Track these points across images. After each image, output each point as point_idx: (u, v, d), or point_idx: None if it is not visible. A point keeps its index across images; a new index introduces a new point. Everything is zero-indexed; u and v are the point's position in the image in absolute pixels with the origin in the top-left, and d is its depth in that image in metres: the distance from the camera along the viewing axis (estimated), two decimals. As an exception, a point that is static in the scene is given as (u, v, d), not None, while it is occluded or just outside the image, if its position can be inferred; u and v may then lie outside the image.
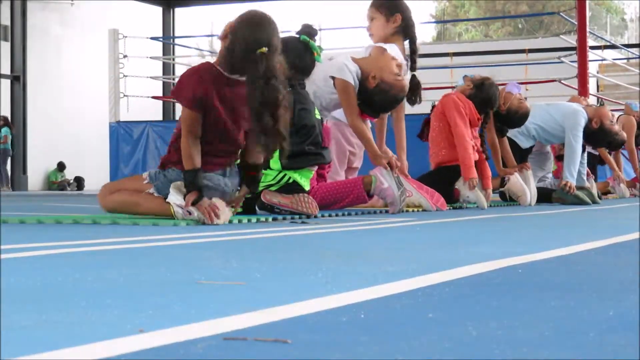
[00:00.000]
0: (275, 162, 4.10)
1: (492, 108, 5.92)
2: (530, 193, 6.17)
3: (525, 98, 6.57)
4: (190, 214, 3.49)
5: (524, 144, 7.01)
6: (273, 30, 3.54)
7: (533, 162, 7.04)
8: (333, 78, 4.80)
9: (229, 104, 3.58)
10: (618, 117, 9.20)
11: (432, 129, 5.89)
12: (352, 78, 4.76)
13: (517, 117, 6.34)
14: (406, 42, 5.52)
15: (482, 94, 5.81)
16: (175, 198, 3.54)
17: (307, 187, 4.18)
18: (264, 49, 3.45)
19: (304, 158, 4.14)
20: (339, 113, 5.21)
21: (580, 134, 6.69)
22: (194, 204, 3.48)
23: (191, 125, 3.52)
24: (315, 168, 4.35)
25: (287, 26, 6.90)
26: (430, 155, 5.91)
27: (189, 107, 3.53)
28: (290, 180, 4.11)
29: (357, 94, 4.81)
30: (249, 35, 3.48)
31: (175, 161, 3.64)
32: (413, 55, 5.48)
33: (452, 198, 5.57)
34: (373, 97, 4.81)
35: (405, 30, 5.46)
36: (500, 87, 6.45)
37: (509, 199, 6.37)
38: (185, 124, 3.53)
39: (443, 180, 5.58)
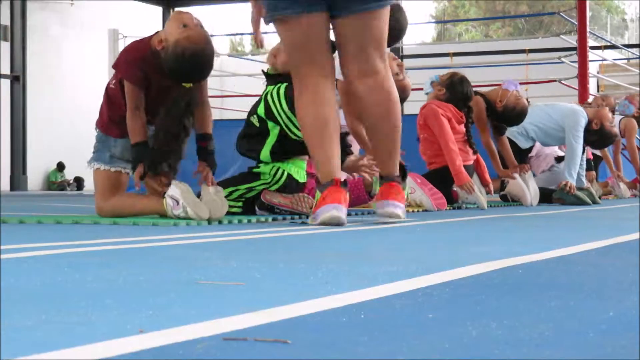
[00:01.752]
0: (264, 156, 4.12)
1: (470, 100, 5.87)
2: (531, 193, 6.17)
3: (527, 99, 6.54)
4: (177, 203, 3.53)
5: (523, 144, 7.01)
6: (203, 66, 3.65)
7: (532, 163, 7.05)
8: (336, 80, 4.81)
9: (156, 84, 3.70)
10: (621, 120, 9.21)
11: (421, 140, 5.87)
12: None
13: (515, 114, 6.29)
14: None
15: (456, 93, 5.76)
16: (173, 193, 3.57)
17: (302, 179, 4.17)
18: (189, 85, 3.64)
19: (291, 145, 4.14)
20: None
21: (581, 134, 6.67)
22: (142, 178, 3.65)
23: (137, 100, 3.66)
24: (306, 158, 4.30)
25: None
26: (427, 164, 5.91)
27: (137, 85, 3.66)
28: (285, 175, 4.11)
29: None
30: (179, 68, 3.60)
31: (120, 134, 3.79)
32: None
33: (451, 199, 5.57)
34: None
35: None
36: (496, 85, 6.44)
37: (510, 200, 6.36)
38: (131, 100, 3.66)
39: (442, 181, 5.58)
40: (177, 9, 22.91)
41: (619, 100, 9.76)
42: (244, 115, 4.52)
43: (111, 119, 3.79)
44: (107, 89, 3.84)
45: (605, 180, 9.20)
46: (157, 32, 3.75)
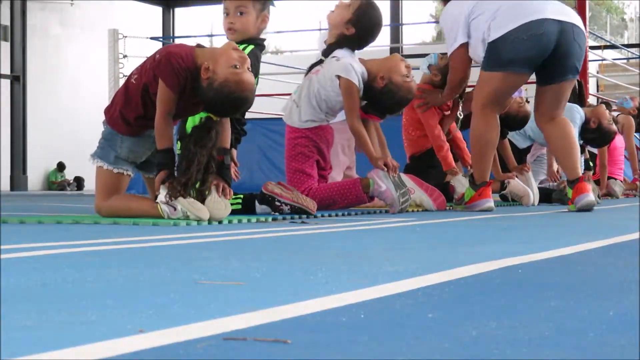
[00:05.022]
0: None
1: (463, 94, 5.93)
2: (532, 193, 6.16)
3: (527, 99, 6.54)
4: (175, 209, 3.51)
5: (521, 144, 7.01)
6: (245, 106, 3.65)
7: (533, 166, 7.05)
8: (339, 77, 4.80)
9: (183, 99, 3.66)
10: (617, 117, 9.20)
11: (405, 120, 6.03)
12: (357, 79, 4.75)
13: (518, 120, 6.33)
14: None
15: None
16: (164, 197, 3.55)
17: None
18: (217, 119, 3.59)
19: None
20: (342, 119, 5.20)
21: (576, 130, 6.67)
22: (164, 182, 3.55)
23: (171, 106, 3.60)
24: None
25: (286, 26, 6.89)
26: (405, 147, 6.10)
27: (174, 91, 3.58)
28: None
29: (364, 94, 4.81)
30: (217, 105, 3.56)
31: (128, 132, 3.76)
32: None
33: (447, 194, 5.58)
34: (381, 97, 4.80)
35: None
36: None
37: (510, 201, 6.36)
38: (164, 105, 3.59)
39: (422, 167, 5.70)
40: (177, 9, 22.91)
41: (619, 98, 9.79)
42: (244, 115, 4.52)
43: (122, 114, 3.74)
44: (128, 82, 3.76)
45: (633, 181, 9.12)
46: (201, 48, 3.66)
